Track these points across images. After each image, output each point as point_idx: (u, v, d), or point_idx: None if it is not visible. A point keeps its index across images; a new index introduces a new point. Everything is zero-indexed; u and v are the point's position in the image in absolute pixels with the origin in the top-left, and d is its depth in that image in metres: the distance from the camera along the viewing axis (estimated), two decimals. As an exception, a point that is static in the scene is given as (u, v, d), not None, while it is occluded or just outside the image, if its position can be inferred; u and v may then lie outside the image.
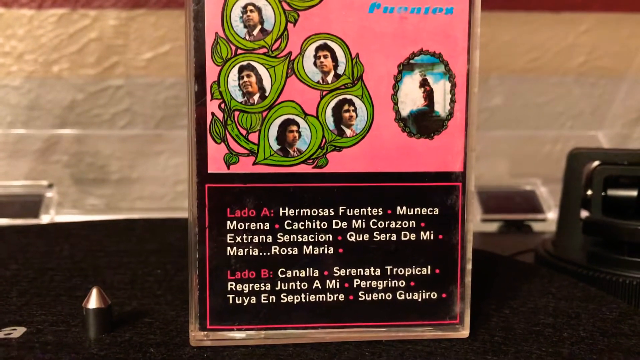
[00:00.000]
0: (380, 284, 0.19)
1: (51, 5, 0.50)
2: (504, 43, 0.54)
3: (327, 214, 0.19)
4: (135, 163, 0.53)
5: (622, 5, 0.54)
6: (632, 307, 0.23)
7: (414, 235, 0.19)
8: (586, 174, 0.32)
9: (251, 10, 0.18)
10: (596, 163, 0.32)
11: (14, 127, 0.51)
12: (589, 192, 0.32)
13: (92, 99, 0.51)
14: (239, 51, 0.18)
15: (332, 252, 0.19)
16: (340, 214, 0.19)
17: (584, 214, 0.32)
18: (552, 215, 0.43)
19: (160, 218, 0.37)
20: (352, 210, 0.19)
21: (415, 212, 0.19)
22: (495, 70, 0.55)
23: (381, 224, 0.19)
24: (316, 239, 0.19)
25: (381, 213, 0.19)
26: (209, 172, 0.19)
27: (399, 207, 0.19)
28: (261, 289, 0.19)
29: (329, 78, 0.19)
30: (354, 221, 0.19)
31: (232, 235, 0.19)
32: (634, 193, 0.31)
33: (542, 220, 0.43)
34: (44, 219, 0.40)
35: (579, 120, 0.56)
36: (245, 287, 0.19)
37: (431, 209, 0.19)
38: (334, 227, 0.19)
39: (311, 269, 0.19)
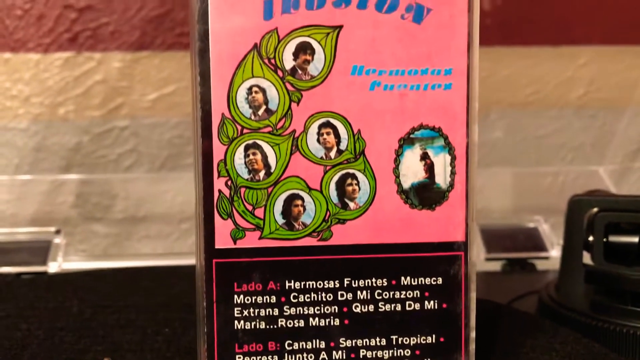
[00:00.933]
0: (386, 353, 0.20)
1: (57, 49, 0.51)
2: (504, 77, 0.55)
3: (333, 286, 0.19)
4: (141, 202, 0.54)
5: (619, 38, 0.54)
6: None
7: (419, 305, 0.20)
8: (587, 219, 0.33)
9: (256, 92, 0.19)
10: (596, 209, 0.32)
11: (20, 169, 0.52)
12: (591, 238, 0.32)
13: (98, 140, 0.52)
14: (245, 130, 0.19)
15: (338, 323, 0.20)
16: (345, 285, 0.20)
17: (587, 256, 0.33)
18: (555, 253, 0.44)
19: (166, 266, 0.37)
20: (357, 281, 0.20)
21: (419, 282, 0.20)
22: (496, 104, 0.55)
23: (386, 295, 0.20)
24: (322, 311, 0.19)
25: (386, 284, 0.20)
26: (216, 247, 0.19)
27: (403, 278, 0.20)
28: (269, 360, 0.19)
29: (332, 154, 0.19)
30: (359, 292, 0.20)
31: (240, 309, 0.19)
32: (636, 239, 0.31)
33: (546, 258, 0.44)
34: (52, 266, 0.41)
35: (580, 152, 0.57)
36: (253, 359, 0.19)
37: (435, 279, 0.20)
38: (339, 298, 0.20)
39: (318, 340, 0.20)
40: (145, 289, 0.32)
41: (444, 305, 0.20)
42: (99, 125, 0.52)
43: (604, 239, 0.31)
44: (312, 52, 0.19)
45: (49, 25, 0.50)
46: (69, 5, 0.50)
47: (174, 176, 0.54)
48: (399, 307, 0.20)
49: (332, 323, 0.20)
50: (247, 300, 0.19)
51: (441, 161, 0.20)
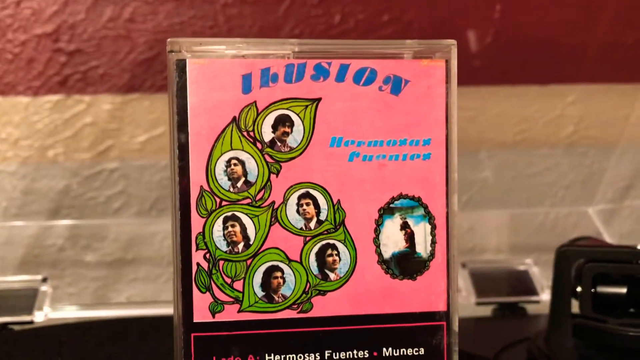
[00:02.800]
0: None
1: (47, 92, 0.51)
2: (493, 116, 0.55)
3: (314, 359, 0.19)
4: (129, 245, 0.53)
5: (607, 76, 0.55)
6: None
7: (400, 376, 0.20)
8: (576, 269, 0.33)
9: (235, 164, 0.19)
10: (582, 260, 0.32)
11: (8, 212, 0.52)
12: (579, 289, 0.32)
13: (87, 182, 0.52)
14: (224, 203, 0.19)
15: (319, 396, 0.19)
16: (326, 358, 0.19)
17: (576, 304, 0.33)
18: (545, 296, 0.43)
19: (155, 316, 0.37)
20: (338, 353, 0.19)
21: (401, 353, 0.20)
22: (485, 143, 0.55)
23: (367, 367, 0.19)
24: (303, 384, 0.19)
25: (367, 356, 0.19)
26: (194, 321, 0.19)
27: (384, 349, 0.20)
28: None
29: (312, 224, 0.19)
30: (340, 364, 0.19)
31: (219, 383, 0.19)
32: (624, 290, 0.31)
33: (536, 302, 0.43)
34: (38, 315, 0.40)
35: (571, 190, 0.57)
36: None
37: (417, 349, 0.20)
38: (320, 371, 0.19)
39: (298, 414, 0.19)
40: (131, 344, 0.32)
41: (427, 377, 0.20)
42: (89, 167, 0.52)
43: (592, 290, 0.31)
44: (291, 124, 0.19)
45: (38, 69, 0.50)
46: (59, 48, 0.50)
47: (164, 219, 0.54)
48: (380, 379, 0.20)
49: (313, 396, 0.19)
50: (227, 374, 0.19)
51: (421, 230, 0.20)
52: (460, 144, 0.60)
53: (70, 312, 0.43)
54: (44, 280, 0.44)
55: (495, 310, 0.44)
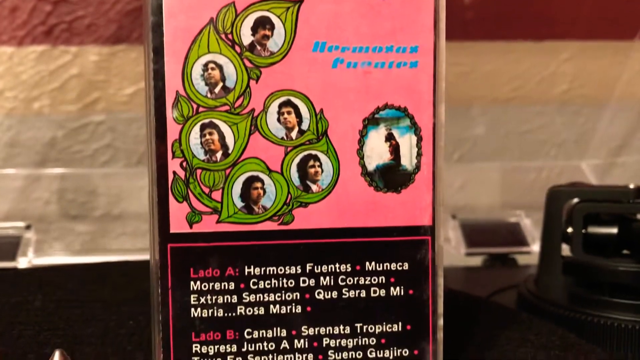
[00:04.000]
0: (350, 342, 0.19)
1: (31, 42, 0.50)
2: (486, 73, 0.54)
3: (294, 272, 0.19)
4: (117, 199, 0.53)
5: (602, 33, 0.54)
6: (608, 353, 0.23)
7: (384, 292, 0.19)
8: (566, 211, 0.32)
9: (212, 68, 0.18)
10: (575, 200, 0.31)
11: (-6, 164, 0.51)
12: (569, 230, 0.31)
13: (74, 135, 0.51)
14: (201, 109, 0.18)
15: (299, 311, 0.19)
16: (307, 271, 0.19)
17: (567, 248, 0.32)
18: (536, 247, 0.43)
19: (137, 260, 0.36)
20: (319, 267, 0.19)
21: (385, 268, 0.19)
22: (477, 100, 0.55)
23: (350, 281, 0.19)
24: (283, 298, 0.19)
25: (349, 269, 0.19)
26: (171, 232, 0.18)
27: (367, 263, 0.19)
28: (227, 350, 0.19)
29: (293, 134, 0.18)
30: (321, 278, 0.19)
31: (196, 296, 0.18)
32: (614, 230, 0.31)
33: (527, 253, 0.43)
34: (21, 262, 0.40)
35: (563, 148, 0.56)
36: (211, 349, 0.18)
37: (400, 264, 0.19)
38: (301, 285, 0.19)
39: (279, 328, 0.19)
40: (114, 284, 0.31)
41: (410, 292, 0.19)
42: (75, 120, 0.51)
43: (583, 230, 0.31)
44: (272, 27, 0.18)
45: (22, 18, 0.49)
46: (44, -3, 0.49)
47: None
48: (363, 294, 0.19)
49: (293, 310, 0.19)
50: (204, 287, 0.18)
51: (407, 142, 0.19)
52: (453, 101, 0.59)
53: (54, 259, 0.42)
54: (28, 227, 0.43)
55: (485, 260, 0.43)
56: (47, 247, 0.48)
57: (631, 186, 0.31)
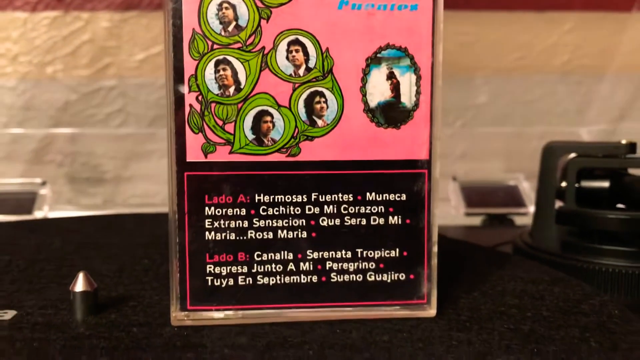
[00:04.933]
0: (351, 266, 0.21)
1: (44, 7, 0.51)
2: (490, 42, 0.56)
3: (300, 200, 0.20)
4: (128, 162, 0.54)
5: (604, 4, 0.55)
6: (594, 288, 0.24)
7: (383, 220, 0.21)
8: (561, 166, 0.34)
9: (226, 8, 0.19)
10: (571, 155, 0.33)
11: (8, 127, 0.52)
12: (564, 184, 0.33)
13: (86, 99, 0.53)
14: (215, 46, 0.19)
15: (305, 236, 0.20)
16: (312, 200, 0.20)
17: (560, 205, 0.33)
18: (533, 209, 0.44)
19: (151, 213, 0.38)
20: (324, 196, 0.20)
21: (384, 198, 0.20)
22: (481, 70, 0.56)
23: (351, 209, 0.20)
24: (290, 224, 0.20)
25: (351, 199, 0.20)
26: (187, 160, 0.20)
27: (368, 194, 0.20)
28: (238, 271, 0.20)
29: (301, 71, 0.20)
30: (325, 207, 0.20)
31: (210, 220, 0.20)
32: (606, 184, 0.32)
33: (524, 214, 0.44)
34: (38, 215, 0.41)
35: (564, 117, 0.57)
36: (223, 269, 0.20)
37: (399, 195, 0.20)
38: (307, 212, 0.20)
39: (286, 252, 0.20)
40: (128, 231, 0.33)
41: (408, 221, 0.21)
42: (87, 84, 0.53)
43: (576, 185, 0.32)
44: (282, -30, 0.19)
45: (36, -16, 0.50)
46: (57, -37, 0.50)
47: (161, 136, 0.54)
48: (364, 222, 0.20)
49: (299, 236, 0.20)
50: (218, 212, 0.20)
51: (407, 81, 0.20)
52: (456, 70, 0.60)
53: (67, 213, 0.44)
54: (44, 183, 0.45)
55: (484, 220, 0.45)
56: (61, 206, 0.50)
57: (623, 142, 0.32)
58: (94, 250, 0.29)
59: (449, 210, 0.45)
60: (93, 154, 0.54)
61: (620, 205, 0.32)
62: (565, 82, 0.57)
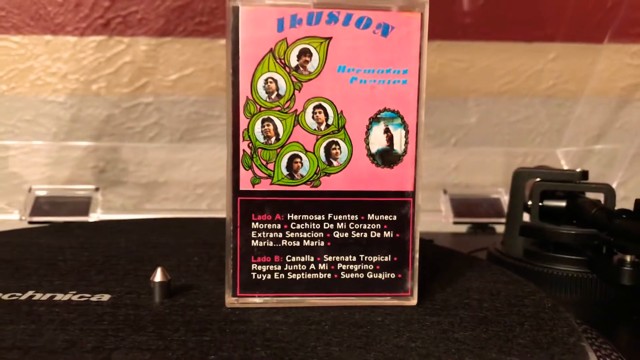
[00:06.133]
0: (355, 267, 0.29)
1: (91, 32, 0.59)
2: (482, 68, 0.63)
3: (320, 219, 0.28)
4: (162, 169, 0.63)
5: (581, 36, 0.63)
6: (538, 288, 0.32)
7: (379, 234, 0.29)
8: (528, 188, 0.42)
9: (270, 82, 0.27)
10: (536, 179, 0.41)
11: (58, 136, 0.61)
12: (529, 202, 0.41)
13: (126, 113, 0.61)
14: (262, 109, 0.28)
15: (323, 244, 0.29)
16: (328, 218, 0.28)
17: (528, 217, 0.41)
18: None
19: (190, 218, 0.46)
20: (336, 216, 0.28)
21: (380, 218, 0.29)
22: (474, 92, 0.64)
23: (357, 226, 0.29)
24: (312, 235, 0.28)
25: (357, 218, 0.29)
26: (240, 189, 0.28)
27: (369, 215, 0.29)
28: (274, 269, 0.28)
29: (322, 127, 0.28)
30: (338, 224, 0.28)
31: (255, 232, 0.28)
32: (564, 204, 0.40)
33: (504, 223, 0.52)
34: (92, 217, 0.50)
35: (547, 136, 0.65)
36: (263, 267, 0.28)
37: (391, 216, 0.29)
38: (324, 227, 0.28)
39: (308, 256, 0.28)
40: (175, 233, 0.41)
41: (397, 235, 0.29)
42: (127, 100, 0.61)
43: (540, 203, 0.40)
44: (310, 55, 0.27)
45: (85, 12, 0.58)
46: (103, -6, 0.58)
47: (191, 147, 0.63)
48: (365, 235, 0.29)
49: (318, 244, 0.28)
50: (261, 226, 0.28)
51: (398, 134, 0.28)
52: (451, 92, 0.69)
53: (117, 215, 0.52)
54: (97, 189, 0.53)
55: (469, 228, 0.53)
56: (105, 207, 0.58)
57: (578, 170, 0.40)
58: (153, 249, 0.38)
59: (439, 219, 0.53)
60: (131, 161, 0.62)
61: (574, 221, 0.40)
62: (549, 105, 0.65)
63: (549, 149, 0.64)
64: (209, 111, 0.62)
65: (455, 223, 0.52)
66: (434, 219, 0.54)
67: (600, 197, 0.40)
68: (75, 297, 0.29)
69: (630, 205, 0.38)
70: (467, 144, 0.64)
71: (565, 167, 0.60)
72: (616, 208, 0.38)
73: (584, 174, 0.40)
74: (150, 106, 0.61)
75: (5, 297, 0.29)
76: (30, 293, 0.30)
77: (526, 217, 0.42)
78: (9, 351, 0.24)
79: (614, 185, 0.58)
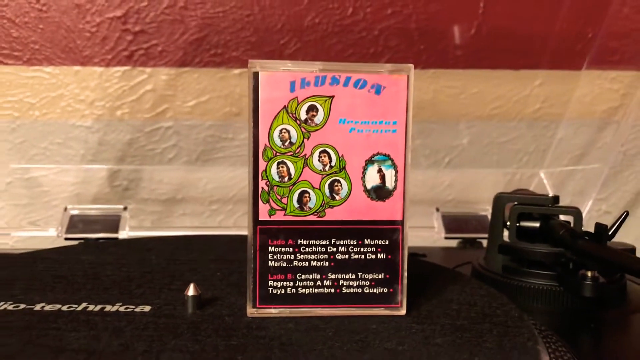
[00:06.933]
0: (354, 283, 0.35)
1: (116, 63, 0.66)
2: (473, 94, 0.70)
3: (325, 243, 0.35)
4: (180, 187, 0.69)
5: (563, 64, 0.69)
6: (509, 300, 0.38)
7: (374, 256, 0.35)
8: (508, 210, 0.48)
9: (284, 132, 0.34)
10: (514, 203, 0.47)
11: (85, 158, 0.67)
12: (508, 223, 0.47)
13: (147, 136, 0.67)
14: (277, 154, 0.34)
15: (327, 265, 0.35)
16: (332, 243, 0.35)
17: (507, 235, 0.48)
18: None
19: (210, 234, 0.53)
20: (339, 241, 0.35)
21: (375, 243, 0.35)
22: (465, 116, 0.70)
23: (355, 249, 0.35)
24: (318, 257, 0.35)
25: (355, 243, 0.35)
26: (259, 219, 0.34)
27: (365, 240, 0.35)
28: (287, 285, 0.35)
29: (327, 168, 0.34)
30: (340, 247, 0.35)
31: (271, 254, 0.34)
32: (537, 224, 0.46)
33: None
34: (122, 234, 0.56)
35: (533, 156, 0.72)
36: (278, 284, 0.35)
37: (384, 241, 0.35)
38: (328, 250, 0.35)
39: (315, 274, 0.35)
40: (197, 249, 0.48)
41: (389, 257, 0.35)
42: (148, 125, 0.67)
43: (517, 224, 0.46)
44: (317, 110, 0.34)
45: (110, 45, 0.65)
46: (126, 29, 0.64)
47: (207, 167, 0.69)
48: (363, 257, 0.35)
49: (324, 264, 0.35)
50: (276, 250, 0.34)
51: (389, 174, 0.35)
52: (445, 116, 0.76)
53: (143, 232, 0.59)
54: (125, 208, 0.60)
55: (459, 243, 0.59)
56: (129, 223, 0.64)
57: (550, 194, 0.47)
58: (181, 265, 0.44)
59: (432, 235, 0.60)
60: (152, 179, 0.69)
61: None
62: (535, 127, 0.71)
63: (535, 168, 0.70)
64: (223, 134, 0.68)
65: (446, 238, 0.59)
66: (428, 234, 0.60)
67: (570, 218, 0.46)
68: (122, 308, 0.36)
69: (609, 220, 0.44)
70: (460, 163, 0.70)
71: (549, 185, 0.67)
72: (583, 229, 0.45)
73: (556, 199, 0.46)
74: (170, 130, 0.68)
75: (65, 308, 0.35)
76: (84, 305, 0.36)
77: (506, 233, 0.48)
78: (77, 353, 0.30)
79: (590, 202, 0.64)
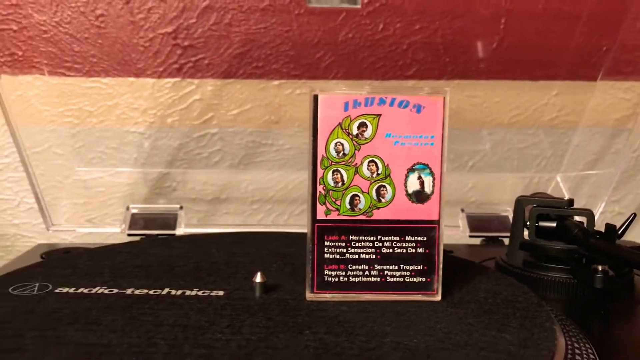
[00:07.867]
0: (397, 273, 0.42)
1: (167, 75, 0.73)
2: (494, 103, 0.76)
3: (372, 239, 0.41)
4: (224, 188, 0.76)
5: (579, 75, 0.75)
6: (530, 289, 0.45)
7: (414, 250, 0.42)
8: (527, 211, 0.54)
9: (339, 145, 0.40)
10: (533, 205, 0.53)
11: (138, 161, 0.74)
12: (528, 223, 0.53)
13: (195, 142, 0.74)
14: (332, 163, 0.41)
15: (374, 257, 0.41)
16: (378, 239, 0.41)
17: (527, 234, 0.54)
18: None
19: (259, 231, 0.60)
20: (384, 237, 0.41)
21: (415, 239, 0.41)
22: (487, 124, 0.76)
23: (398, 244, 0.41)
24: (366, 251, 0.41)
25: (398, 239, 0.41)
26: (317, 218, 0.41)
27: (407, 236, 0.41)
28: (340, 274, 0.41)
29: (374, 175, 0.41)
30: (385, 242, 0.41)
31: (327, 247, 0.41)
32: (554, 224, 0.53)
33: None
34: (179, 230, 0.63)
35: (551, 161, 0.78)
36: (333, 273, 0.41)
37: (422, 238, 0.42)
38: (375, 245, 0.41)
39: (364, 265, 0.41)
40: (252, 245, 0.55)
41: (427, 251, 0.42)
42: (196, 131, 0.74)
43: (536, 224, 0.53)
44: (366, 126, 0.40)
45: (161, 58, 0.72)
46: (177, 44, 0.71)
47: (248, 170, 0.76)
48: (405, 251, 0.41)
49: (371, 257, 0.41)
50: (331, 244, 0.41)
51: (428, 180, 0.41)
52: (468, 123, 0.84)
53: (197, 229, 0.65)
54: (181, 208, 0.67)
55: (482, 241, 0.66)
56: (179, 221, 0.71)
57: (566, 197, 0.53)
58: (240, 257, 0.51)
59: (458, 233, 0.66)
60: (198, 181, 0.76)
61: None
62: (552, 134, 0.77)
63: (552, 172, 0.76)
64: (263, 140, 0.75)
65: (470, 236, 0.65)
66: (454, 233, 0.66)
67: (584, 219, 0.52)
68: (199, 293, 0.42)
69: (622, 221, 0.50)
70: (482, 167, 0.76)
71: (565, 188, 0.73)
72: (595, 228, 0.51)
73: (571, 201, 0.53)
74: (215, 136, 0.74)
75: (151, 292, 0.42)
76: (167, 290, 0.43)
77: (526, 232, 0.54)
78: (173, 327, 0.37)
79: (603, 204, 0.71)
